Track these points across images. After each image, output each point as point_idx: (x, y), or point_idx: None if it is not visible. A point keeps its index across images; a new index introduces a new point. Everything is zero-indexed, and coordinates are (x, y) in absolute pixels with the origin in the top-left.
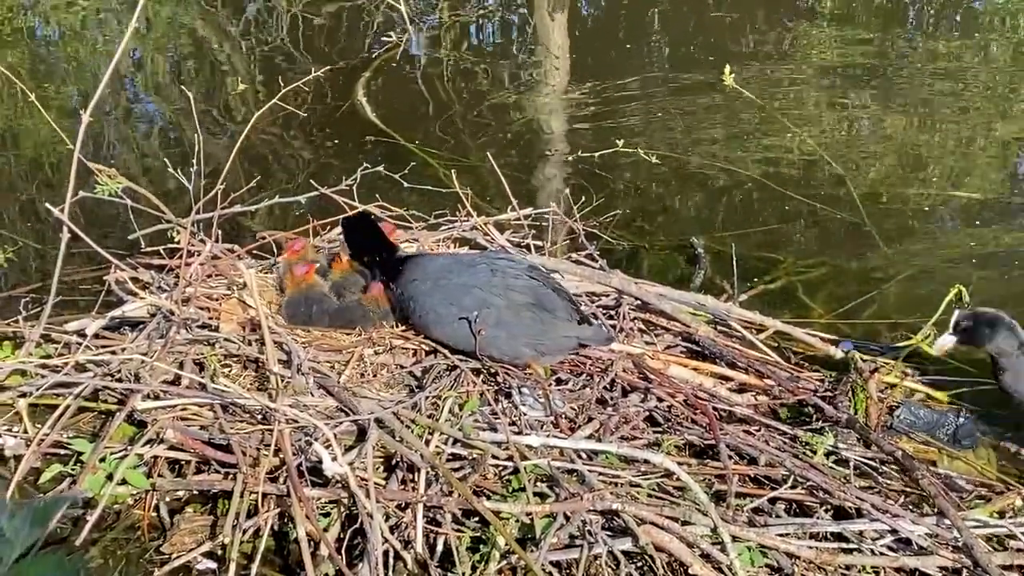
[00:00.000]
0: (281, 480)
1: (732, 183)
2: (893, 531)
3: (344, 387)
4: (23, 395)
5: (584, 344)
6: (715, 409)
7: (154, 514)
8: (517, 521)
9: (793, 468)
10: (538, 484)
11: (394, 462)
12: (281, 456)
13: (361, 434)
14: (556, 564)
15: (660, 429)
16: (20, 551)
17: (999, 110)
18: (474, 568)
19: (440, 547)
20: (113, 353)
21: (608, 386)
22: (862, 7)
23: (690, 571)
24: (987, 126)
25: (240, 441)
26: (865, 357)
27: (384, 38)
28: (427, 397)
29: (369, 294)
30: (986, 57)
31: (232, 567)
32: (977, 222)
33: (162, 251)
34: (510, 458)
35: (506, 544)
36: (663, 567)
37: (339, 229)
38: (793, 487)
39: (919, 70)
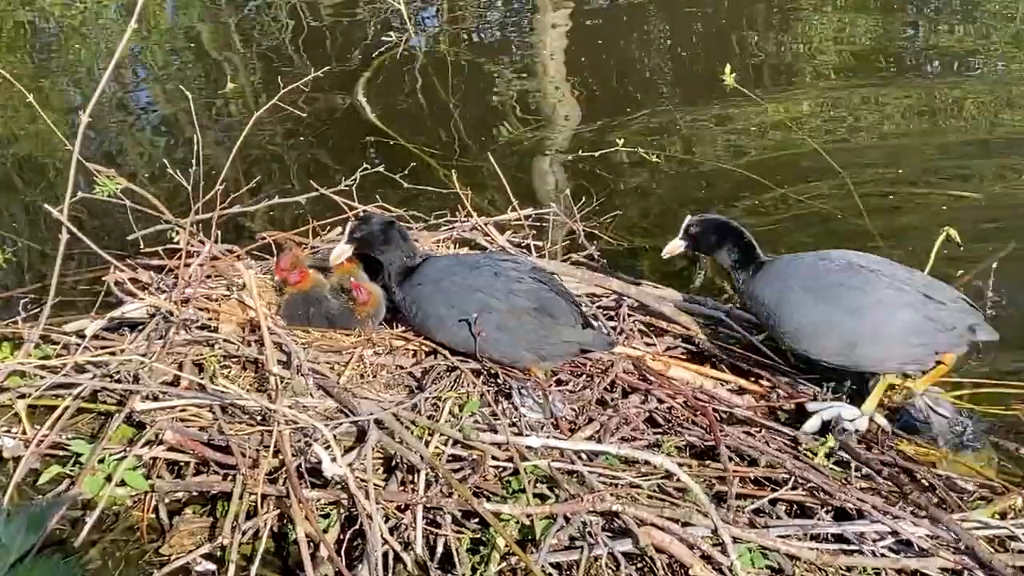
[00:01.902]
0: (280, 481)
1: (732, 182)
2: (894, 532)
3: (344, 388)
4: (22, 396)
5: (586, 350)
6: (715, 411)
7: (153, 516)
8: (517, 522)
9: (794, 469)
10: (538, 485)
11: (394, 463)
12: (280, 457)
13: (361, 435)
14: (556, 565)
15: (660, 430)
16: (16, 556)
17: (1002, 108)
18: (474, 570)
19: (440, 548)
20: (112, 354)
21: (608, 387)
22: (863, 6)
23: (691, 572)
24: (989, 124)
25: (239, 442)
26: None
27: (384, 38)
28: (427, 398)
29: (359, 304)
30: (988, 54)
31: (231, 568)
32: (977, 222)
33: (161, 252)
34: (510, 459)
35: (506, 545)
36: (663, 568)
37: (348, 226)
38: (794, 488)
39: (920, 69)
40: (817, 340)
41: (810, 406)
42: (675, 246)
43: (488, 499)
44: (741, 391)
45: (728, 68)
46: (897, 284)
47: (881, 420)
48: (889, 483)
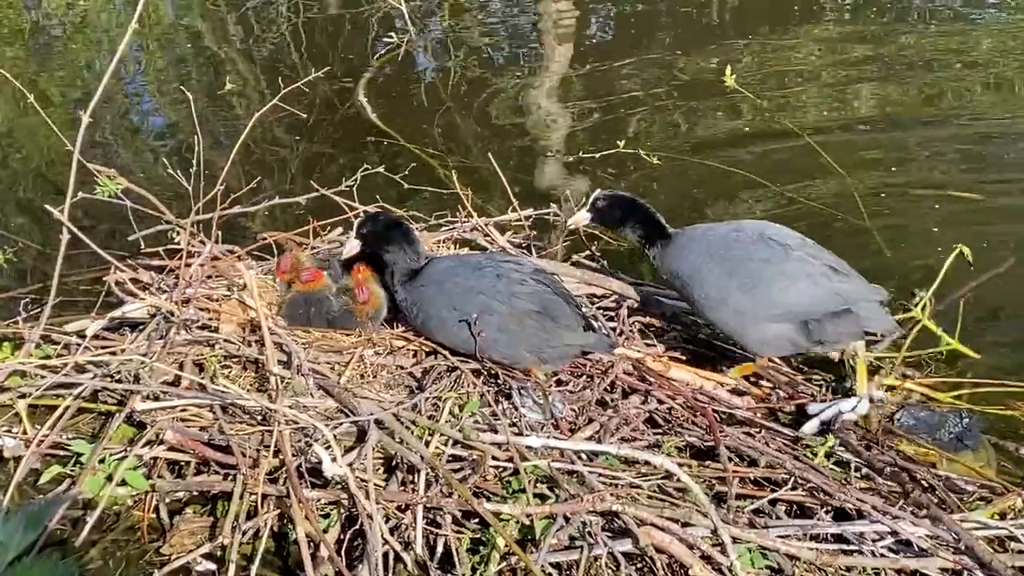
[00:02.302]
0: (281, 481)
1: (733, 184)
2: (893, 532)
3: (344, 388)
4: (22, 396)
5: (587, 352)
6: (715, 411)
7: (154, 515)
8: (517, 522)
9: (793, 469)
10: (538, 485)
11: (394, 463)
12: (281, 457)
13: (361, 435)
14: (556, 565)
15: (660, 431)
16: (15, 554)
17: (1003, 109)
18: (474, 570)
19: (440, 548)
20: (113, 354)
21: (608, 388)
22: (864, 6)
23: (690, 572)
24: (990, 126)
25: (240, 442)
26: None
27: (386, 39)
28: (427, 398)
29: (358, 303)
30: (989, 53)
31: (232, 568)
32: (981, 223)
33: (162, 252)
34: (510, 459)
35: (506, 545)
36: (663, 568)
37: (357, 221)
38: (793, 488)
39: (921, 70)
40: (718, 311)
41: (810, 408)
42: (581, 217)
43: (488, 499)
44: (741, 392)
45: (728, 69)
46: (802, 255)
47: (877, 393)
48: (889, 483)
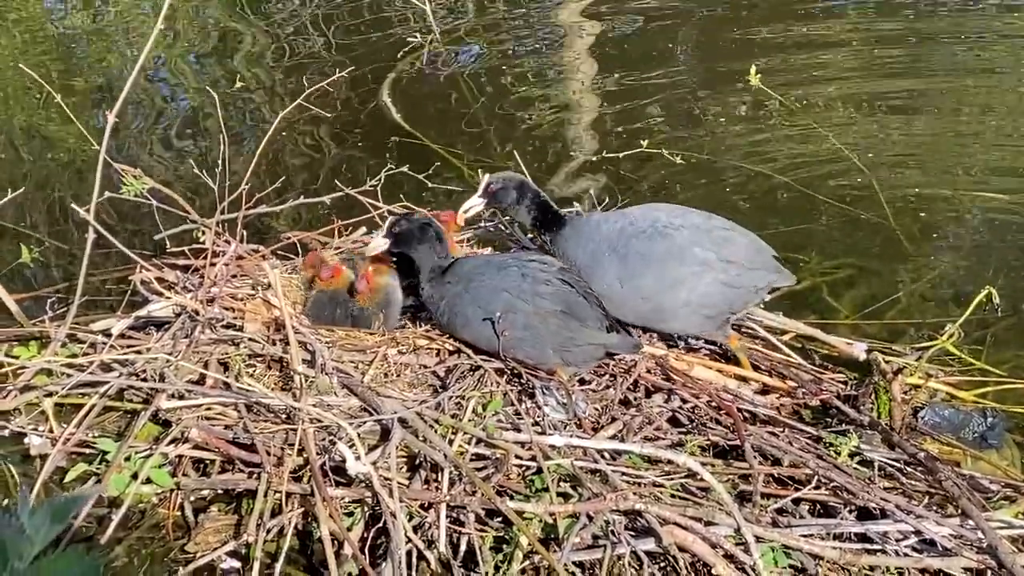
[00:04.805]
0: (305, 479)
1: (756, 183)
2: (917, 532)
3: (368, 387)
4: (49, 394)
5: (612, 353)
6: (739, 410)
7: (179, 513)
8: (540, 521)
9: (817, 469)
10: (561, 484)
11: (417, 462)
12: (305, 455)
13: (385, 434)
14: (579, 564)
15: (683, 429)
16: (40, 547)
17: None
18: (497, 568)
19: (463, 547)
20: (138, 353)
21: (631, 387)
22: (892, 5)
23: (713, 571)
24: (1016, 125)
25: (264, 440)
26: (888, 358)
27: (409, 39)
28: (450, 397)
29: (357, 292)
30: (1017, 56)
31: (256, 566)
32: (1004, 222)
33: (187, 251)
34: (533, 458)
35: (529, 544)
36: (686, 567)
37: (387, 221)
38: (817, 488)
39: (948, 69)
40: (623, 307)
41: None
42: (473, 203)
43: (511, 497)
44: (765, 391)
45: (753, 69)
46: (699, 252)
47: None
48: (913, 482)
